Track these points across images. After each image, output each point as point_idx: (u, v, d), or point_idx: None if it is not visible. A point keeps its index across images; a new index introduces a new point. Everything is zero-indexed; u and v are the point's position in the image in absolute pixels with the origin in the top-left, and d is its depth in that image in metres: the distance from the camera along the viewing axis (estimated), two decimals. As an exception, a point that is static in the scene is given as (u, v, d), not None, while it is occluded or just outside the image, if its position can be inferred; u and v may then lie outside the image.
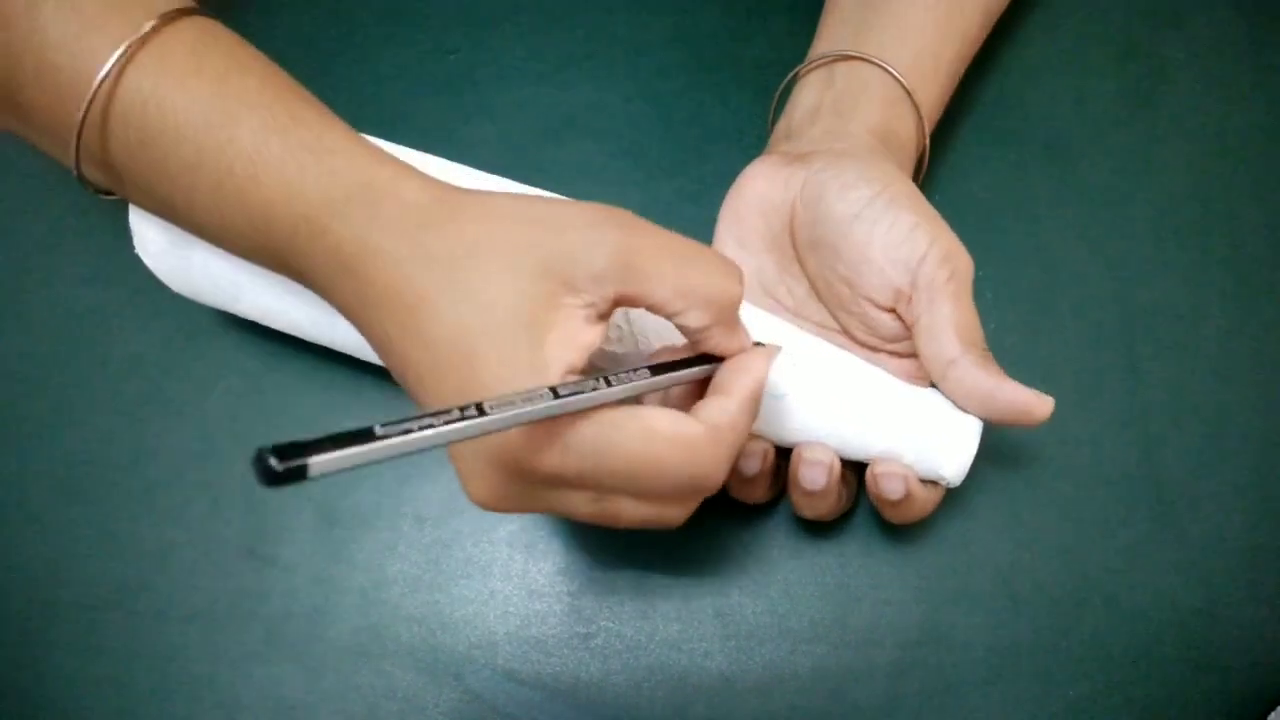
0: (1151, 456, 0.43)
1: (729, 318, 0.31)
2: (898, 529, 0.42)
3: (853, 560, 0.42)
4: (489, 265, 0.28)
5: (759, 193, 0.38)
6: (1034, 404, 0.35)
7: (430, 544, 0.43)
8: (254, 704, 0.40)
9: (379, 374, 0.43)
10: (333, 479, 0.43)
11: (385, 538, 0.43)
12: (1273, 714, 0.39)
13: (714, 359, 0.33)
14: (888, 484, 0.36)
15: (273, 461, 0.19)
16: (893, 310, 0.36)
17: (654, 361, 0.32)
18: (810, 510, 0.38)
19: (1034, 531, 0.42)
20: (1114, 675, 0.40)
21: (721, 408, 0.30)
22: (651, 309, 0.30)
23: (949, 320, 0.35)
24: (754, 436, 0.37)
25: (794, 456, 0.37)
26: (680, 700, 0.40)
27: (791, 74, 0.44)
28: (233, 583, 0.42)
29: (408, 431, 0.23)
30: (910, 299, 0.35)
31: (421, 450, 0.23)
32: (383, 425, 0.22)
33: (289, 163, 0.30)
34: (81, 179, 0.35)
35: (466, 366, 0.27)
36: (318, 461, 0.20)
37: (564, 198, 0.30)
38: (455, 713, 0.40)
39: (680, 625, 0.41)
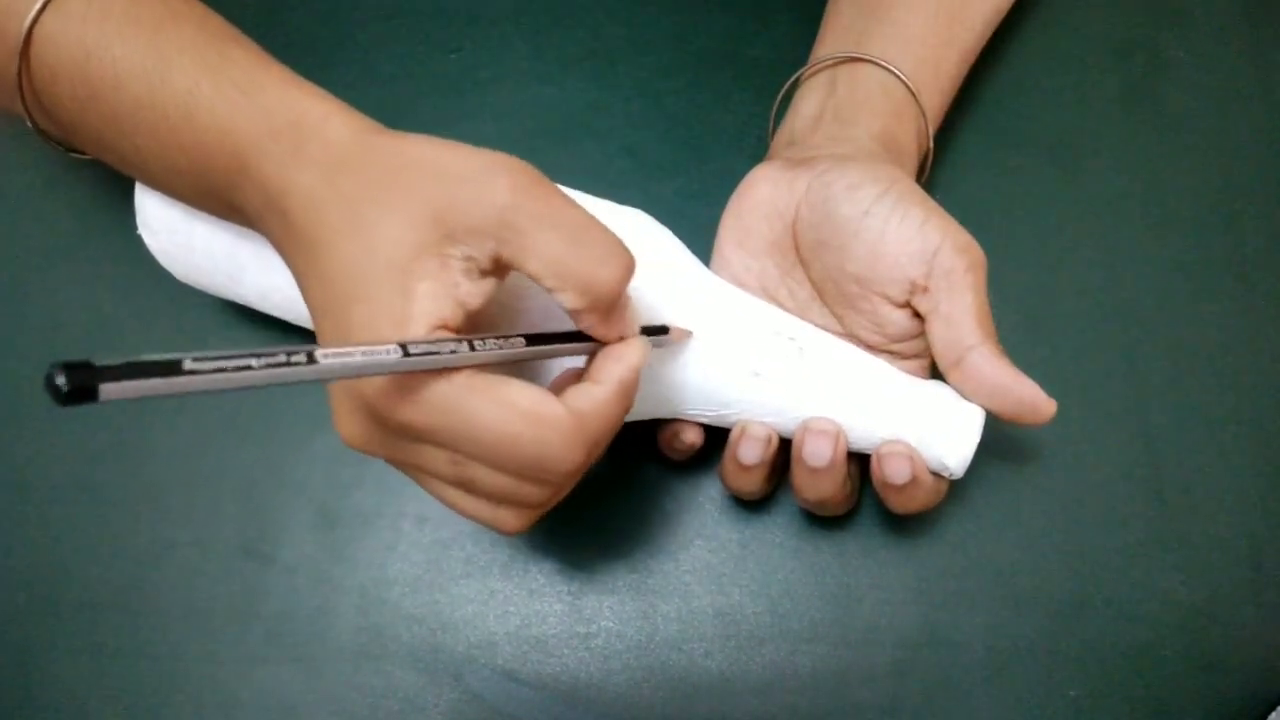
0: (1151, 456, 0.43)
1: (605, 306, 0.30)
2: (898, 529, 0.42)
3: (853, 560, 0.42)
4: (384, 208, 0.27)
5: (762, 196, 0.38)
6: (1042, 401, 0.35)
7: (430, 544, 0.43)
8: (254, 704, 0.40)
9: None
10: (334, 478, 0.43)
11: (385, 538, 0.43)
12: (1273, 714, 0.39)
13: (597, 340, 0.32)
14: (892, 465, 0.35)
15: (60, 380, 0.18)
16: (906, 305, 0.36)
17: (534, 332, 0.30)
18: (813, 491, 0.37)
19: (1034, 531, 0.42)
20: (1114, 675, 0.40)
21: (589, 394, 0.29)
22: (529, 277, 0.29)
23: (969, 308, 0.35)
24: (758, 423, 0.37)
25: (799, 431, 0.36)
26: (680, 700, 0.40)
27: (793, 78, 0.44)
28: (233, 583, 0.42)
29: (220, 371, 0.21)
30: (927, 289, 0.35)
31: (239, 390, 0.22)
32: (194, 359, 0.21)
33: (219, 102, 0.31)
34: (41, 134, 0.36)
35: (346, 308, 0.27)
36: (111, 388, 0.19)
37: (483, 148, 0.29)
38: (455, 713, 0.40)
39: (680, 625, 0.41)
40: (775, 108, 0.45)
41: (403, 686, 0.41)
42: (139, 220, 0.40)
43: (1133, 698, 0.40)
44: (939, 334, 0.35)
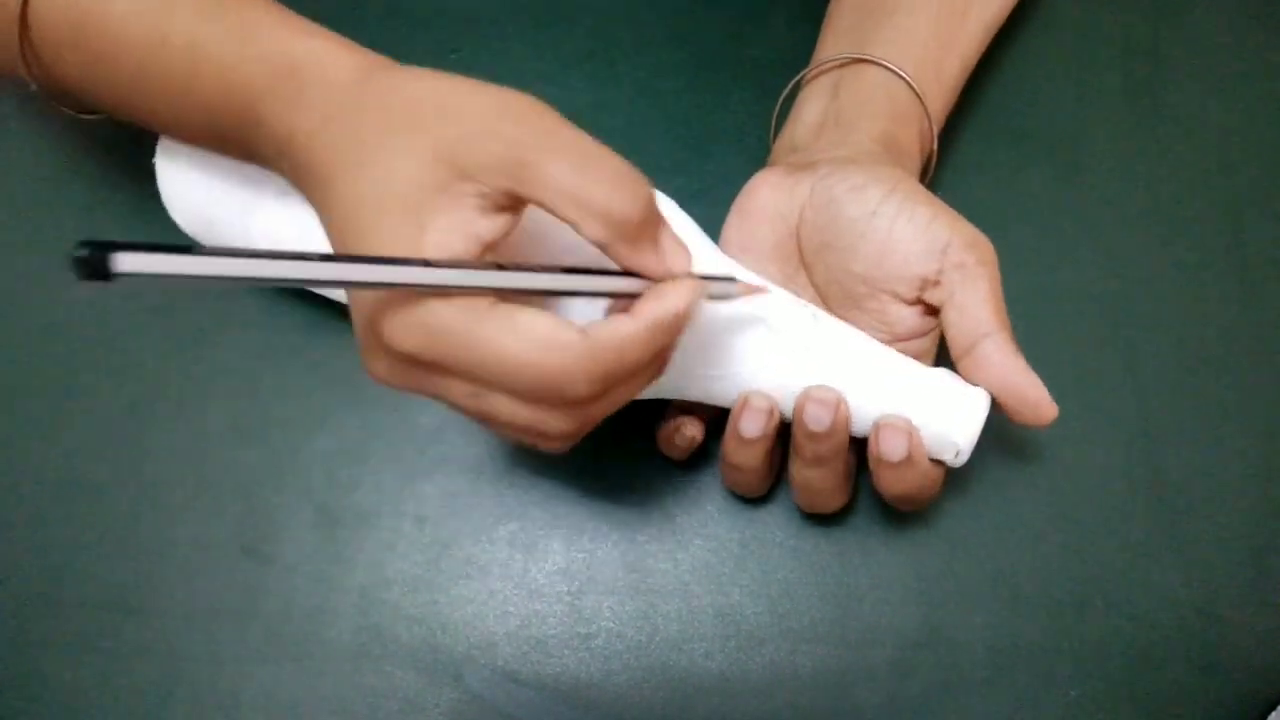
0: (1151, 456, 0.43)
1: (628, 234, 0.28)
2: (898, 528, 0.42)
3: (853, 560, 0.42)
4: (390, 147, 0.28)
5: (766, 201, 0.38)
6: (1045, 402, 0.35)
7: (430, 544, 0.43)
8: (254, 704, 0.40)
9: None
10: (334, 478, 0.43)
11: (385, 538, 0.43)
12: (1273, 714, 0.39)
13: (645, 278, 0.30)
14: (889, 439, 0.35)
15: (82, 250, 0.19)
16: (916, 302, 0.36)
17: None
18: (811, 451, 0.36)
19: (1034, 531, 0.42)
20: (1114, 675, 0.40)
21: (614, 327, 0.28)
22: (547, 211, 0.28)
23: (985, 297, 0.35)
24: (760, 394, 0.36)
25: (800, 396, 0.35)
26: (680, 700, 0.40)
27: (795, 80, 0.43)
28: (233, 582, 0.42)
29: (235, 256, 0.22)
30: (938, 283, 0.35)
31: (250, 283, 0.22)
32: (212, 248, 0.22)
33: (223, 54, 0.31)
34: (50, 100, 0.37)
35: (358, 243, 0.28)
36: (126, 259, 0.20)
37: (490, 85, 0.29)
38: (455, 713, 0.40)
39: (680, 625, 0.41)
40: (776, 111, 0.45)
41: (403, 686, 0.41)
42: (159, 145, 0.40)
43: (1133, 698, 0.40)
44: (954, 321, 0.35)
